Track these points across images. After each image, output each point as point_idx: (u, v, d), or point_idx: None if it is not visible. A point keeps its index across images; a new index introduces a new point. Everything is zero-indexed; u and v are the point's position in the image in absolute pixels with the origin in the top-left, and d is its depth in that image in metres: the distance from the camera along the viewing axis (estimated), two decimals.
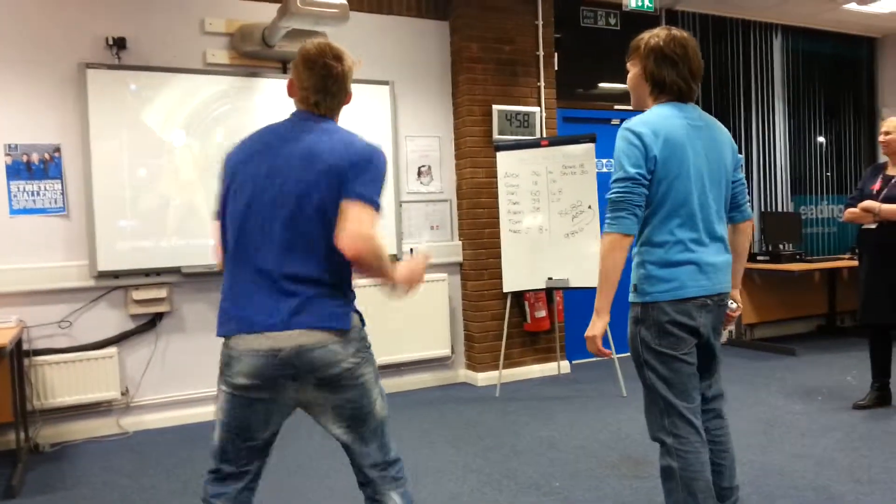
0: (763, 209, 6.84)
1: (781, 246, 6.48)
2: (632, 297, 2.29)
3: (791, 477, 3.22)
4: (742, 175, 2.42)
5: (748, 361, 5.76)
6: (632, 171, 2.14)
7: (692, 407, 2.25)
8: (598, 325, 2.20)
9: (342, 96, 2.00)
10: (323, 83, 1.94)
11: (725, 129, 2.37)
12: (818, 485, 3.11)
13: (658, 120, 2.19)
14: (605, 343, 2.34)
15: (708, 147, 2.26)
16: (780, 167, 6.97)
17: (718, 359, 2.40)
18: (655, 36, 2.24)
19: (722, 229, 2.31)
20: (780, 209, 6.99)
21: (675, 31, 2.25)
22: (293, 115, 2.00)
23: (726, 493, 2.42)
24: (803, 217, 7.08)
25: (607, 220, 2.18)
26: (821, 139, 7.37)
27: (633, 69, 2.33)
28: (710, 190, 2.26)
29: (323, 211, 1.82)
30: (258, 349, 1.83)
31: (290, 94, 2.01)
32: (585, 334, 2.23)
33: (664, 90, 2.25)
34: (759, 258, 6.39)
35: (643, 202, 2.18)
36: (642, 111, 2.30)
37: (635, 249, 2.29)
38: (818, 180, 7.38)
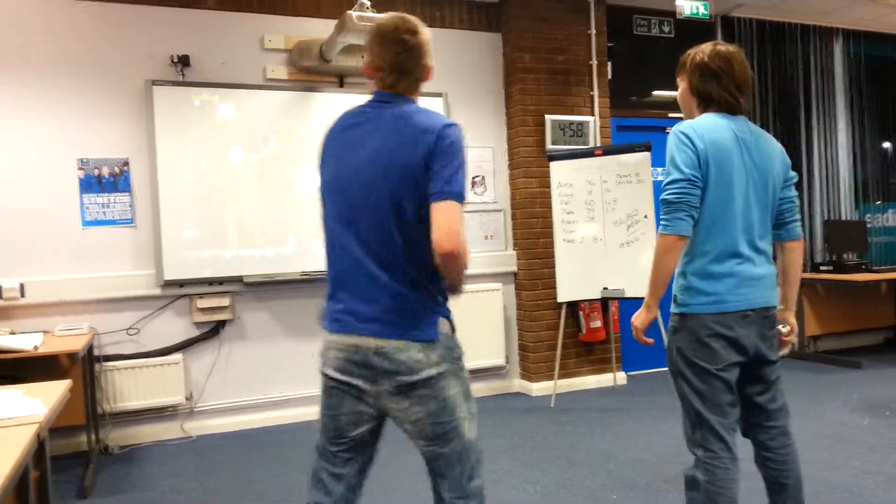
0: (826, 217, 6.65)
1: (846, 255, 6.28)
2: (672, 308, 2.29)
3: (860, 495, 3.12)
4: (794, 192, 2.35)
5: (812, 374, 5.60)
6: (687, 171, 2.13)
7: (725, 423, 2.22)
8: (643, 317, 2.26)
9: (420, 72, 1.90)
10: (398, 60, 1.85)
11: (776, 143, 2.34)
12: (889, 502, 3.01)
13: (708, 126, 2.19)
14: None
15: (755, 159, 2.24)
16: (844, 175, 6.76)
17: (778, 370, 2.35)
18: (701, 52, 2.28)
19: (766, 243, 2.28)
20: (843, 217, 6.78)
21: (721, 46, 2.27)
22: (373, 97, 1.90)
23: None
24: (869, 226, 6.85)
25: (663, 222, 2.16)
26: (886, 145, 7.14)
27: (681, 84, 2.37)
28: (754, 202, 2.23)
29: (403, 207, 1.75)
30: (341, 344, 1.83)
31: (367, 74, 1.92)
32: (632, 320, 2.30)
33: (711, 104, 2.27)
34: (822, 268, 6.21)
35: (699, 204, 2.16)
36: None
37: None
38: (885, 187, 7.14)
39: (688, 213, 2.13)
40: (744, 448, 2.41)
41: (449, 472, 1.85)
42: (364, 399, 1.85)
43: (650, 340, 2.28)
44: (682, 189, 2.13)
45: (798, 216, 2.39)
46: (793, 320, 2.42)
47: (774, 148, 2.31)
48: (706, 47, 2.28)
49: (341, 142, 1.89)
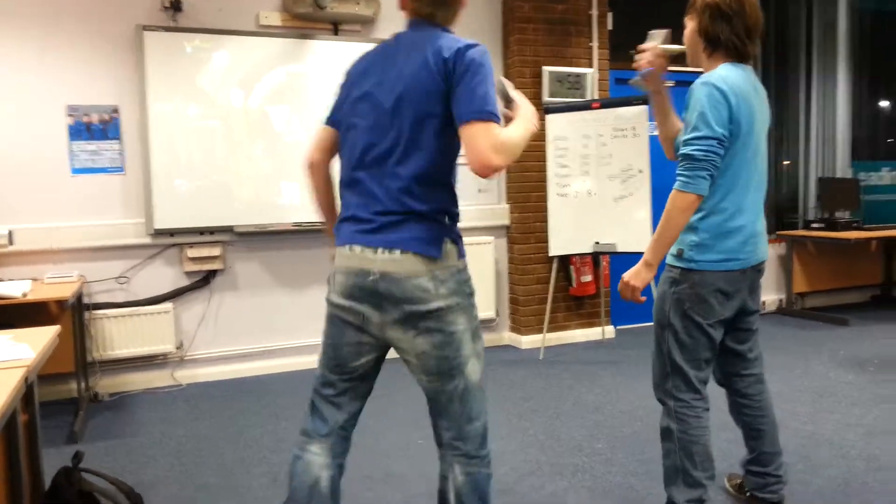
0: (821, 174, 6.62)
1: (838, 213, 6.28)
2: (673, 261, 2.26)
3: (840, 446, 3.18)
4: None
5: (798, 331, 5.66)
6: (718, 130, 2.07)
7: (700, 375, 2.28)
8: (643, 276, 2.14)
9: (457, 4, 1.89)
10: None
11: (764, 90, 2.32)
12: (868, 454, 3.07)
13: (736, 81, 2.12)
14: (647, 291, 2.32)
15: (761, 114, 2.24)
16: (841, 131, 6.71)
17: (757, 320, 2.41)
18: None
19: (762, 197, 2.30)
20: (838, 175, 6.76)
21: None
22: (410, 24, 1.90)
23: (768, 458, 2.44)
24: (863, 184, 6.84)
25: (684, 178, 2.07)
26: (884, 103, 7.08)
27: (689, 24, 2.30)
28: (759, 158, 2.25)
29: (432, 125, 1.75)
30: (349, 268, 1.80)
31: (402, 6, 1.91)
32: (626, 279, 2.15)
33: (718, 47, 2.20)
34: (813, 225, 6.22)
35: (721, 164, 2.11)
36: (701, 68, 2.26)
37: None
38: (880, 145, 7.10)
39: (710, 173, 2.07)
40: (719, 400, 2.45)
41: (449, 410, 1.84)
42: (367, 329, 1.82)
43: (643, 299, 2.23)
44: (711, 147, 2.06)
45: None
46: None
47: (765, 97, 2.30)
48: None
49: (373, 62, 1.90)
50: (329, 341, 1.89)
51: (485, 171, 1.68)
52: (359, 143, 1.84)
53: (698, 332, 2.24)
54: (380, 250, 1.75)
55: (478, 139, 1.66)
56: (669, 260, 2.28)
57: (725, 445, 3.18)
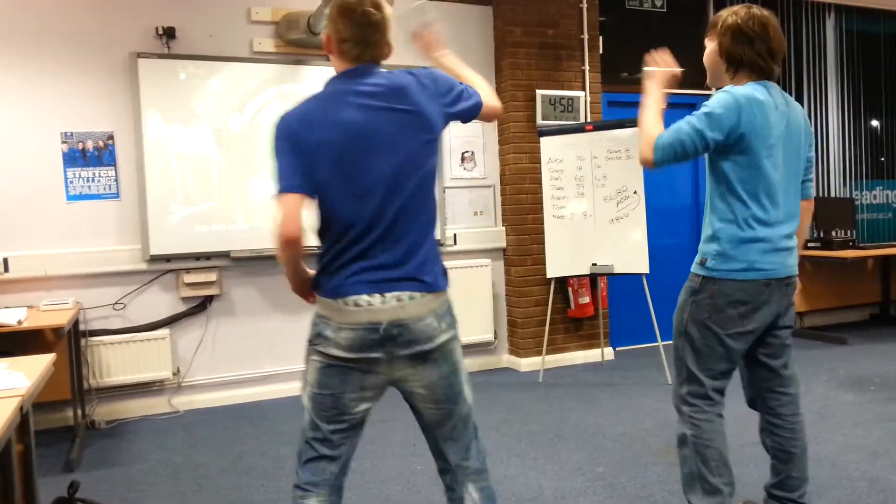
0: (815, 194, 6.65)
1: (834, 232, 6.31)
2: (695, 269, 2.29)
3: (844, 468, 3.15)
4: (812, 153, 2.40)
5: (798, 350, 5.63)
6: (709, 133, 2.14)
7: (715, 385, 2.29)
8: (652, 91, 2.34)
9: (384, 48, 1.87)
10: (363, 33, 1.81)
11: (801, 108, 2.35)
12: (872, 476, 3.05)
13: (759, 97, 2.17)
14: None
15: (789, 128, 2.25)
16: (834, 151, 6.77)
17: (789, 338, 2.39)
18: (734, 13, 2.24)
19: (794, 211, 2.30)
20: (833, 194, 6.80)
21: (756, 10, 2.24)
22: (344, 76, 1.85)
23: (795, 484, 2.39)
24: (857, 203, 6.88)
25: (660, 140, 2.19)
26: (875, 122, 7.14)
27: (709, 45, 2.33)
28: (790, 171, 2.26)
29: (428, 173, 1.84)
30: (358, 322, 1.77)
31: (327, 49, 1.88)
32: (654, 75, 2.33)
33: (741, 68, 2.24)
34: (810, 245, 6.24)
35: (691, 156, 2.19)
36: (719, 87, 2.29)
37: (711, 221, 2.27)
38: (873, 165, 7.15)
39: (674, 157, 2.19)
40: (739, 420, 2.43)
41: (456, 434, 1.90)
42: (374, 371, 1.81)
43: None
44: (692, 137, 2.15)
45: (812, 176, 2.42)
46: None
47: (801, 114, 2.33)
48: (740, 10, 2.23)
49: (335, 125, 1.79)
50: (327, 392, 1.83)
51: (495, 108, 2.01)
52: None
53: (715, 341, 2.24)
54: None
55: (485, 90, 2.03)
56: (693, 268, 2.32)
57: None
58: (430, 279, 1.81)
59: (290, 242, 1.79)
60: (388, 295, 1.76)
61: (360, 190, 1.77)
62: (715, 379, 2.28)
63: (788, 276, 2.29)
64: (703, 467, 2.25)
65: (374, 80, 1.83)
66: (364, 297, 1.76)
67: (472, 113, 1.95)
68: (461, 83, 1.95)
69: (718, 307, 2.22)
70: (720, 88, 2.26)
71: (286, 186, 1.78)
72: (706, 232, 2.29)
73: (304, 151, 1.78)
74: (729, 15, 2.25)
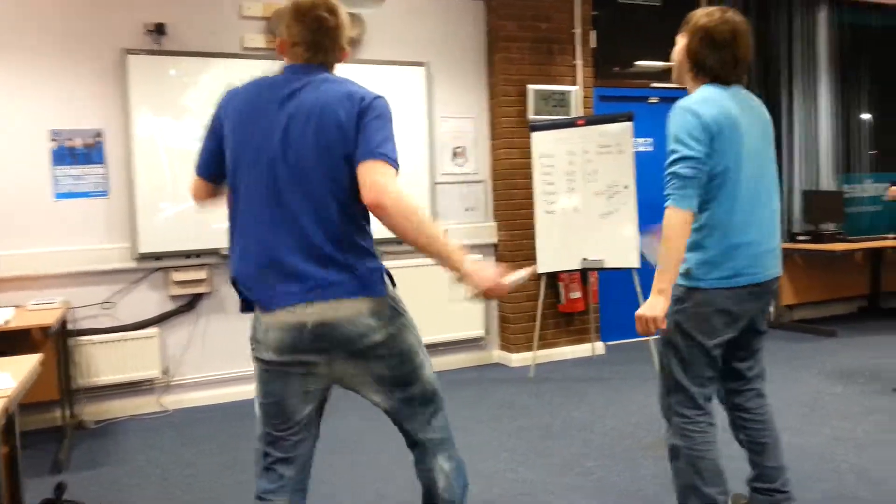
0: (805, 188, 6.67)
1: (823, 225, 6.33)
2: (679, 280, 2.23)
3: (832, 460, 3.17)
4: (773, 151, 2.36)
5: (787, 343, 5.67)
6: (696, 149, 2.08)
7: (703, 392, 2.26)
8: (658, 305, 2.09)
9: (337, 52, 1.86)
10: (315, 37, 1.81)
11: (764, 108, 2.33)
12: (860, 467, 3.06)
13: (715, 100, 2.14)
14: (635, 300, 2.29)
15: (757, 129, 2.24)
16: (824, 145, 6.77)
17: (763, 340, 2.40)
18: (708, 15, 2.21)
19: (771, 214, 2.27)
20: (823, 188, 6.81)
21: (730, 15, 2.21)
22: (286, 69, 1.86)
23: (773, 473, 2.41)
24: (847, 196, 6.89)
25: (675, 196, 2.08)
26: (866, 116, 7.16)
27: (680, 41, 2.30)
28: (763, 173, 2.24)
29: (335, 170, 1.73)
30: (284, 323, 1.76)
31: (280, 51, 1.88)
32: (644, 314, 2.09)
33: (702, 71, 2.22)
34: (799, 238, 6.26)
35: (706, 180, 2.11)
36: (682, 86, 2.28)
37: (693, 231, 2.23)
38: (863, 158, 7.17)
39: (698, 191, 2.09)
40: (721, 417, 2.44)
41: (418, 411, 1.91)
42: (313, 373, 1.81)
43: (664, 324, 2.15)
44: (694, 167, 2.07)
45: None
46: None
47: (765, 113, 2.32)
48: (714, 12, 2.20)
49: (255, 111, 1.80)
50: (271, 399, 1.85)
51: (373, 201, 1.68)
52: None
53: (699, 350, 2.22)
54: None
55: (379, 173, 1.71)
56: (677, 279, 2.25)
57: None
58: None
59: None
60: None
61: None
62: (703, 386, 2.26)
63: (771, 279, 2.28)
64: (697, 478, 2.23)
65: (304, 84, 1.80)
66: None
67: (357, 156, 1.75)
68: (384, 137, 1.73)
69: (703, 316, 2.19)
70: (682, 85, 2.27)
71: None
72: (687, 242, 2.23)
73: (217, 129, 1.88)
74: (703, 16, 2.21)
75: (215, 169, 1.92)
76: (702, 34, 2.19)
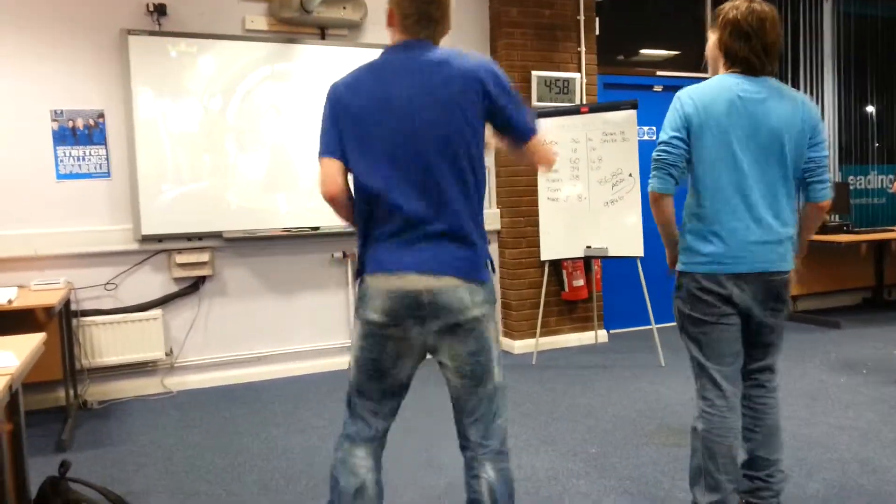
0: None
1: (828, 216, 6.31)
2: (676, 267, 2.38)
3: (835, 449, 3.17)
4: (818, 153, 2.27)
5: (791, 334, 5.66)
6: (669, 133, 2.24)
7: (724, 370, 2.29)
8: (668, 256, 2.41)
9: (445, 23, 1.92)
10: (426, 8, 1.86)
11: (801, 102, 2.26)
12: (863, 457, 3.06)
13: (707, 90, 2.23)
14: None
15: (763, 119, 2.20)
16: (829, 136, 6.75)
17: (774, 336, 2.37)
18: (735, 8, 2.26)
19: (774, 205, 2.23)
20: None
21: (756, 5, 2.24)
22: (402, 45, 1.88)
23: (762, 464, 2.42)
24: (851, 187, 6.88)
25: (651, 179, 2.29)
26: (870, 108, 7.12)
27: (711, 37, 2.36)
28: (760, 163, 2.21)
29: (458, 147, 1.81)
30: (389, 289, 1.82)
31: (390, 23, 1.93)
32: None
33: (735, 62, 2.26)
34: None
35: (680, 162, 2.23)
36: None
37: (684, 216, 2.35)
38: (868, 150, 7.15)
39: (666, 172, 2.23)
40: None
41: (478, 411, 1.91)
42: (408, 339, 1.86)
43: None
44: (663, 149, 2.24)
45: (821, 177, 2.29)
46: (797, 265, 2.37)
47: (794, 106, 2.24)
48: (741, 4, 2.25)
49: (383, 88, 1.83)
50: (369, 354, 1.91)
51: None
52: None
53: (708, 326, 2.27)
54: None
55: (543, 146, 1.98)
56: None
57: None
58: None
59: (330, 200, 1.91)
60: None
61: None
62: (724, 364, 2.28)
63: (765, 273, 2.23)
64: (710, 462, 2.25)
65: (427, 55, 1.85)
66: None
67: (514, 135, 1.92)
68: (526, 113, 1.92)
69: (695, 297, 2.27)
70: None
71: (321, 151, 1.90)
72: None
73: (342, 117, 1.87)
74: (731, 9, 2.26)
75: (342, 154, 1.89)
76: (731, 26, 2.24)
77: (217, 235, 4.52)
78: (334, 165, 1.86)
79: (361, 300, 1.89)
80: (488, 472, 1.91)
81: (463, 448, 1.96)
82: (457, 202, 1.82)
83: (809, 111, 2.27)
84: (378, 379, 1.92)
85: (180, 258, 4.45)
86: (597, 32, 5.52)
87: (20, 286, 3.94)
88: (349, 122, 1.84)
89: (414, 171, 1.80)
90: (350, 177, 1.89)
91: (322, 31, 4.82)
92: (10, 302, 3.42)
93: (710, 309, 2.25)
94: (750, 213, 2.21)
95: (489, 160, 5.39)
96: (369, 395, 1.94)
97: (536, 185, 5.08)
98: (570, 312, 5.52)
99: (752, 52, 2.22)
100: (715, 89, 2.22)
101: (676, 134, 2.22)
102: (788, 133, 2.22)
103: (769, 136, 2.21)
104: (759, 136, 2.20)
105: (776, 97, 2.24)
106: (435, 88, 1.80)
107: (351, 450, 1.96)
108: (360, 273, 1.92)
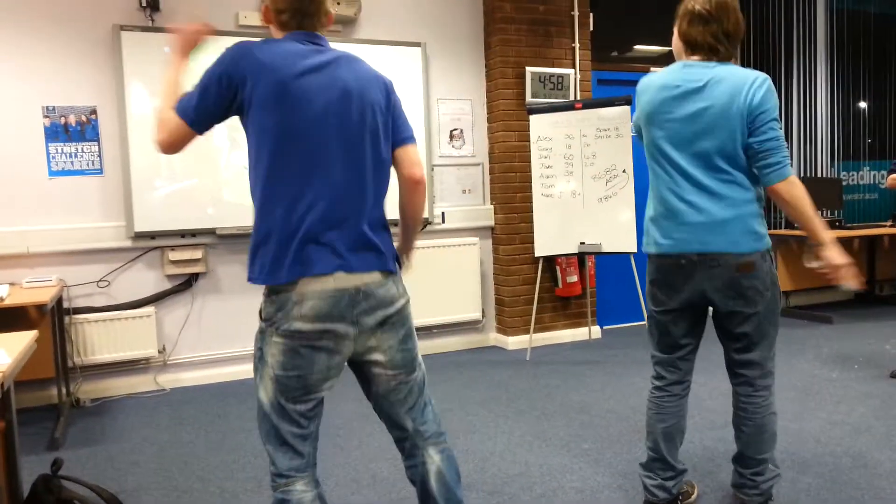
0: (802, 174, 6.68)
1: (821, 212, 6.34)
2: None
3: (827, 444, 3.18)
4: (760, 136, 2.15)
5: (783, 329, 5.67)
6: (633, 121, 2.44)
7: (665, 358, 2.45)
8: (836, 251, 2.31)
9: (322, 17, 1.85)
10: (300, 3, 1.80)
11: (741, 80, 2.16)
12: (854, 452, 3.08)
13: (651, 78, 2.35)
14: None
15: (700, 103, 2.19)
16: (822, 132, 6.77)
17: (745, 326, 2.31)
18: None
19: (709, 186, 2.20)
20: (820, 175, 6.82)
21: None
22: (293, 36, 1.83)
23: (747, 461, 2.44)
24: (844, 183, 6.90)
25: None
26: (863, 104, 7.15)
27: (675, 30, 2.36)
28: (694, 148, 2.21)
29: (378, 147, 1.84)
30: (322, 291, 1.71)
31: (266, 20, 1.90)
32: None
33: (696, 49, 2.27)
34: (796, 225, 6.25)
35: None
36: None
37: None
38: (860, 146, 7.17)
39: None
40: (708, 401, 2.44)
41: (411, 399, 1.90)
42: (340, 348, 1.75)
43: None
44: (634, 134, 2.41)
45: (770, 159, 2.17)
46: (826, 253, 2.30)
47: (734, 87, 2.16)
48: None
49: (297, 84, 1.78)
50: (294, 373, 1.74)
51: (420, 179, 1.94)
52: None
53: (651, 317, 2.46)
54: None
55: (416, 155, 1.94)
56: None
57: (711, 444, 3.18)
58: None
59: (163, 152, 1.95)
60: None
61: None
62: (664, 350, 2.45)
63: (708, 254, 2.21)
64: (648, 438, 2.49)
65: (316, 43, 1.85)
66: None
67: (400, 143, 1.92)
68: (407, 122, 1.95)
69: (649, 283, 2.40)
70: None
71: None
72: None
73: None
74: (689, 0, 2.27)
75: (209, 126, 1.94)
76: (689, 15, 2.26)
77: (210, 232, 4.51)
78: (190, 136, 1.92)
79: (281, 310, 1.75)
80: (433, 457, 1.91)
81: (400, 440, 1.93)
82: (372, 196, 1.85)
83: (748, 89, 2.14)
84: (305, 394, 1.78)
85: (173, 255, 4.44)
86: (591, 28, 5.52)
87: (12, 283, 3.92)
88: (260, 110, 1.88)
89: (332, 166, 1.78)
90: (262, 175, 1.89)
91: None
92: (1, 299, 3.40)
93: (653, 299, 2.43)
94: (697, 193, 2.24)
95: (481, 157, 5.39)
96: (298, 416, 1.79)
97: (530, 182, 5.09)
98: (563, 308, 5.52)
99: (711, 37, 2.22)
100: (655, 76, 2.33)
101: (636, 123, 2.45)
102: (728, 115, 2.15)
103: (710, 119, 2.19)
104: (701, 120, 2.19)
105: (721, 80, 2.17)
106: (358, 93, 1.84)
107: (288, 487, 1.79)
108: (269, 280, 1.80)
